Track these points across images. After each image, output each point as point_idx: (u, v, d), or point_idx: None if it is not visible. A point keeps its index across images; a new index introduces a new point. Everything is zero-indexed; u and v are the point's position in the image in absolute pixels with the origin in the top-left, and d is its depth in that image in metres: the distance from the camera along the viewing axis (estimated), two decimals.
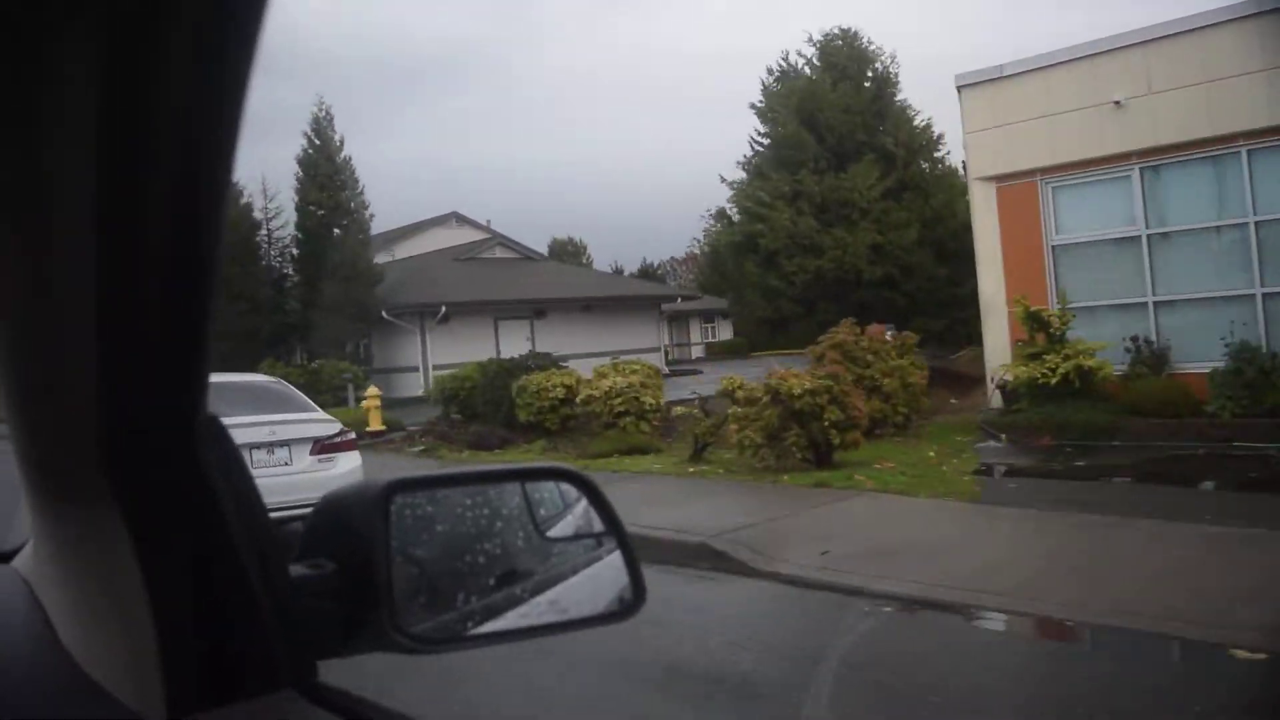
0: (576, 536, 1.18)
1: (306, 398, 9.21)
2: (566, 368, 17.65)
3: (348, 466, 8.08)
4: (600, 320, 31.32)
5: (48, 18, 0.62)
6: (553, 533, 1.18)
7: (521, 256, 36.38)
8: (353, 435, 8.67)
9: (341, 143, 30.02)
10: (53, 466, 0.91)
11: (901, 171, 28.70)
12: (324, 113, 29.99)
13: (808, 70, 30.51)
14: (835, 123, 28.80)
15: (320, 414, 8.68)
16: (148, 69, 0.65)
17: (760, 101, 30.72)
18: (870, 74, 30.44)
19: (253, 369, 23.62)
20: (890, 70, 30.67)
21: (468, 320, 28.95)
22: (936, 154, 30.44)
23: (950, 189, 28.32)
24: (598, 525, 1.16)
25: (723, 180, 54.73)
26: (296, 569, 0.98)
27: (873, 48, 30.60)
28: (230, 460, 0.97)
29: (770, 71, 31.34)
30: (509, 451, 15.42)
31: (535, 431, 16.24)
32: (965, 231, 18.15)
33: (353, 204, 29.79)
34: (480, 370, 18.03)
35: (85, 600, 0.94)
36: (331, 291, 27.40)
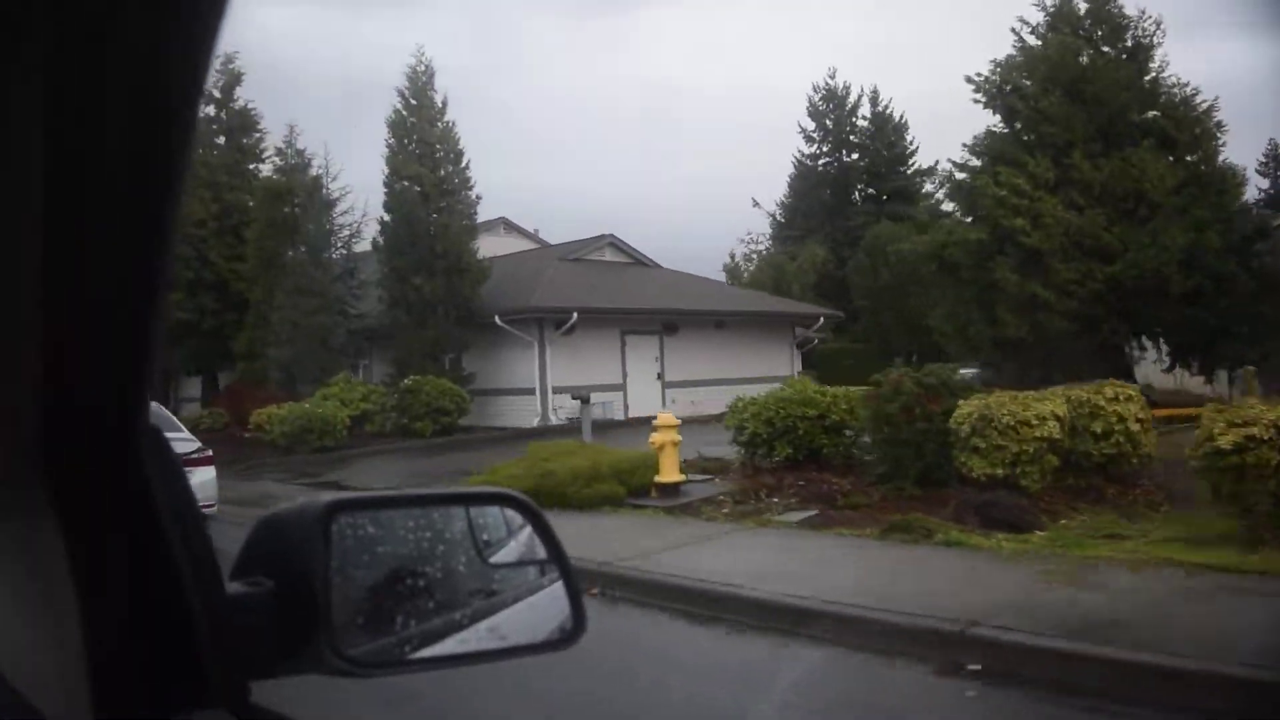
0: (520, 563, 1.17)
1: (173, 416, 11.06)
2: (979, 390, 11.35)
3: (202, 479, 8.99)
4: (733, 339, 25.85)
5: None
6: (496, 559, 1.18)
7: (634, 261, 29.78)
8: (210, 452, 9.72)
9: (444, 105, 24.07)
10: None
11: (1191, 160, 21.95)
12: (423, 67, 23.98)
13: (1038, 41, 23.19)
14: (1105, 96, 21.75)
15: (184, 433, 9.98)
16: (96, 67, 0.65)
17: (981, 74, 23.12)
18: (1125, 42, 23.05)
19: (323, 382, 20.71)
20: (1149, 35, 22.88)
21: (591, 332, 23.09)
22: (1217, 142, 22.40)
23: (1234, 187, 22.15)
24: (541, 553, 1.16)
25: (755, 204, 52.02)
26: (233, 586, 0.97)
27: (1125, 9, 22.83)
28: (170, 474, 0.96)
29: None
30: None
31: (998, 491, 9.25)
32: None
33: (456, 180, 23.76)
34: (869, 391, 11.14)
35: (15, 609, 0.92)
36: (429, 289, 22.23)
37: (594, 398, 17.06)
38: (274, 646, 0.97)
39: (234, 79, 27.57)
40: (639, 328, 24.45)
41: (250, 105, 28.21)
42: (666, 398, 23.12)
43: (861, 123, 43.26)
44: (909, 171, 42.43)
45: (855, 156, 43.19)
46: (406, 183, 23.35)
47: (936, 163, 39.32)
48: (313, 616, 0.96)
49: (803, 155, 43.88)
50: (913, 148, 42.57)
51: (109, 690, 0.86)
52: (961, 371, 13.53)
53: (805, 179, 43.38)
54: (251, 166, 28.11)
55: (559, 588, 1.14)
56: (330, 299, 23.47)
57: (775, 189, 56.96)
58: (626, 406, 23.73)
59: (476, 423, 22.20)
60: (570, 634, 1.13)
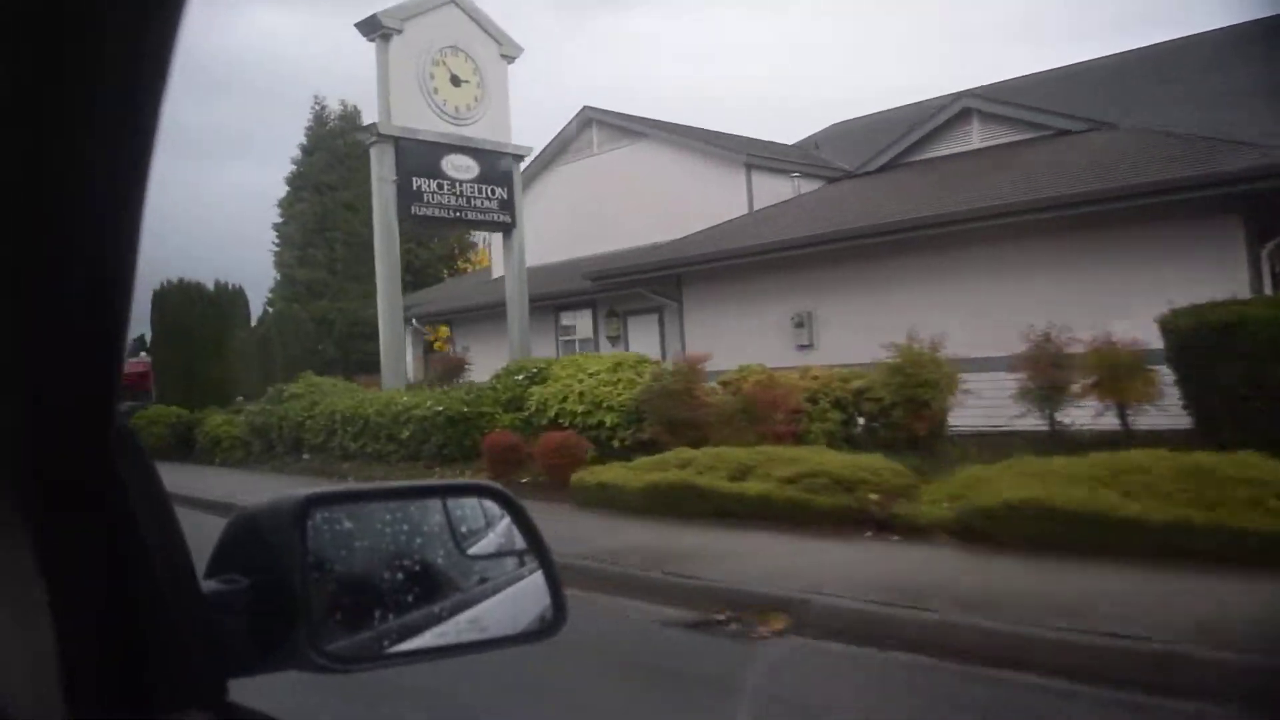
0: (499, 554, 1.17)
1: None
2: None
3: None
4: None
5: None
6: (474, 550, 1.17)
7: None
8: None
9: None
10: None
11: None
12: None
13: None
14: None
15: None
16: (67, 73, 0.64)
17: None
18: None
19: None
20: None
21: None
22: None
23: None
24: (520, 543, 1.15)
25: None
26: (209, 584, 0.96)
27: None
28: (144, 473, 0.94)
29: None
30: None
31: None
32: None
33: None
34: None
35: None
36: None
37: None
38: (251, 644, 0.96)
39: None
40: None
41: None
42: None
43: None
44: None
45: None
46: None
47: None
48: (290, 613, 0.95)
49: None
50: None
51: (82, 692, 0.85)
52: None
53: None
54: None
55: (539, 578, 1.14)
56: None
57: None
58: None
59: None
60: (551, 624, 1.13)
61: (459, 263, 43.42)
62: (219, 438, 20.48)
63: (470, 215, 18.48)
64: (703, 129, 23.54)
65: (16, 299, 0.74)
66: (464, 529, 1.17)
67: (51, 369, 0.81)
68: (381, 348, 17.94)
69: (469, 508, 1.19)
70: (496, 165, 18.58)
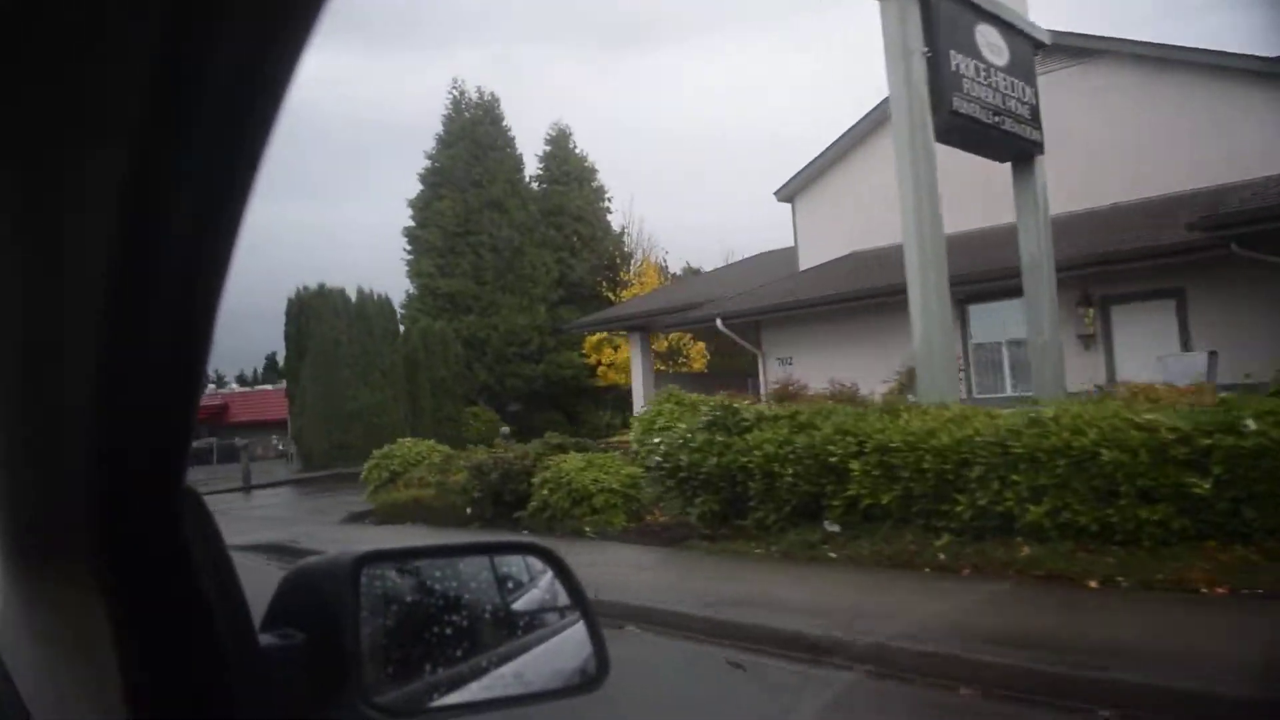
0: (542, 609, 1.21)
1: None
2: None
3: None
4: None
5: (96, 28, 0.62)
6: (518, 605, 1.21)
7: None
8: None
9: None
10: (31, 528, 0.95)
11: None
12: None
13: None
14: None
15: None
16: (167, 155, 0.67)
17: None
18: None
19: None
20: None
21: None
22: None
23: None
24: (563, 599, 1.18)
25: None
26: (265, 638, 1.02)
27: None
28: (208, 532, 1.01)
29: None
30: None
31: None
32: None
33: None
34: None
35: (53, 665, 0.98)
36: None
37: None
38: (306, 697, 1.01)
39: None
40: None
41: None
42: None
43: None
44: None
45: None
46: None
47: None
48: (343, 666, 1.00)
49: None
50: None
51: None
52: None
53: None
54: None
55: (580, 631, 1.17)
56: None
57: None
58: None
59: None
60: (594, 678, 1.16)
61: (615, 284, 36.80)
62: (585, 492, 11.73)
63: (1006, 124, 12.00)
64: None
65: (97, 351, 0.79)
66: (509, 585, 1.21)
67: (127, 428, 0.87)
68: (917, 333, 10.67)
69: (514, 564, 1.23)
70: (1024, 52, 12.55)
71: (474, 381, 34.17)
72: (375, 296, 30.50)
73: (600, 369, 33.68)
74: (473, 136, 36.06)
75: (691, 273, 37.69)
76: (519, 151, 37.76)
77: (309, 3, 0.63)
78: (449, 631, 1.12)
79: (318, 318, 28.63)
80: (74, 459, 0.87)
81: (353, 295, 29.85)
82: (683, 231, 76.55)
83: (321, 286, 29.49)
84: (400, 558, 1.14)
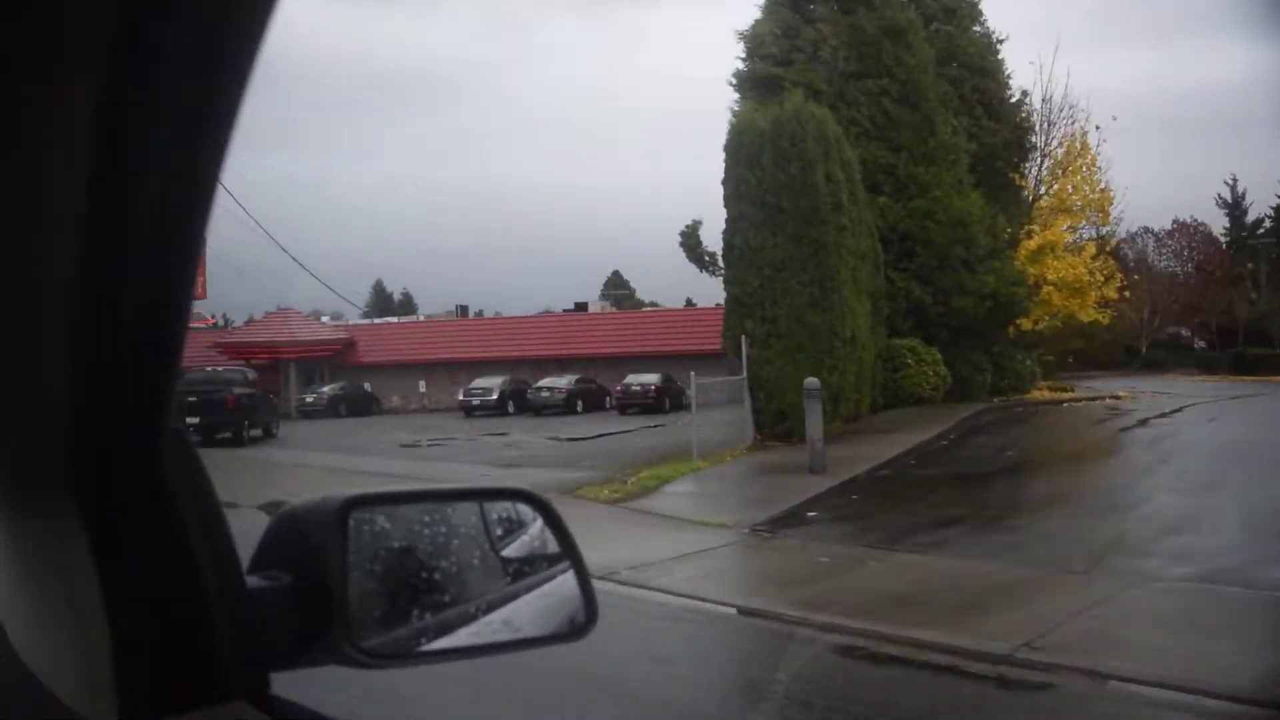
0: (531, 556, 1.20)
1: None
2: None
3: None
4: None
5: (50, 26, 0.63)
6: (508, 552, 1.20)
7: None
8: None
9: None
10: (15, 471, 0.92)
11: None
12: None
13: None
14: None
15: None
16: (142, 85, 0.67)
17: None
18: None
19: None
20: None
21: None
22: None
23: None
24: (553, 546, 1.18)
25: None
26: (252, 580, 1.00)
27: None
28: (194, 473, 0.98)
29: None
30: None
31: None
32: None
33: None
34: None
35: (40, 605, 0.95)
36: None
37: None
38: (293, 639, 1.00)
39: None
40: None
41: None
42: None
43: None
44: None
45: None
46: None
47: None
48: (330, 610, 0.99)
49: None
50: None
51: (133, 683, 0.89)
52: None
53: None
54: None
55: (570, 579, 1.17)
56: None
57: None
58: None
59: None
60: (583, 625, 1.16)
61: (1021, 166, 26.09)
62: None
63: None
64: None
65: (75, 303, 0.77)
66: (498, 531, 1.20)
67: (108, 373, 0.84)
68: None
69: (503, 510, 1.22)
70: None
71: (903, 300, 22.53)
72: None
73: (1045, 289, 23.26)
74: None
75: None
76: None
77: None
78: (437, 577, 1.10)
79: None
80: (53, 400, 0.84)
81: None
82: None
83: None
84: (389, 501, 1.12)
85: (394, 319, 47.06)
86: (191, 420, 21.40)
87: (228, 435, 23.52)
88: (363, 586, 1.04)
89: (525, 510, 1.21)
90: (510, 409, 34.58)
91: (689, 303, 46.72)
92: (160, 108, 0.69)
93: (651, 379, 33.74)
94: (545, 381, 35.62)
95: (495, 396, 35.01)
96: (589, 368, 37.33)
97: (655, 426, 24.48)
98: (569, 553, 1.17)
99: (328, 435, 26.36)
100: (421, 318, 50.97)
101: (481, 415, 33.76)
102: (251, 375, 27.39)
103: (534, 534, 1.19)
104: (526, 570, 1.19)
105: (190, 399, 21.56)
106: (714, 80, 79.48)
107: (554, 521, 1.18)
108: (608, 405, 35.42)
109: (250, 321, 43.16)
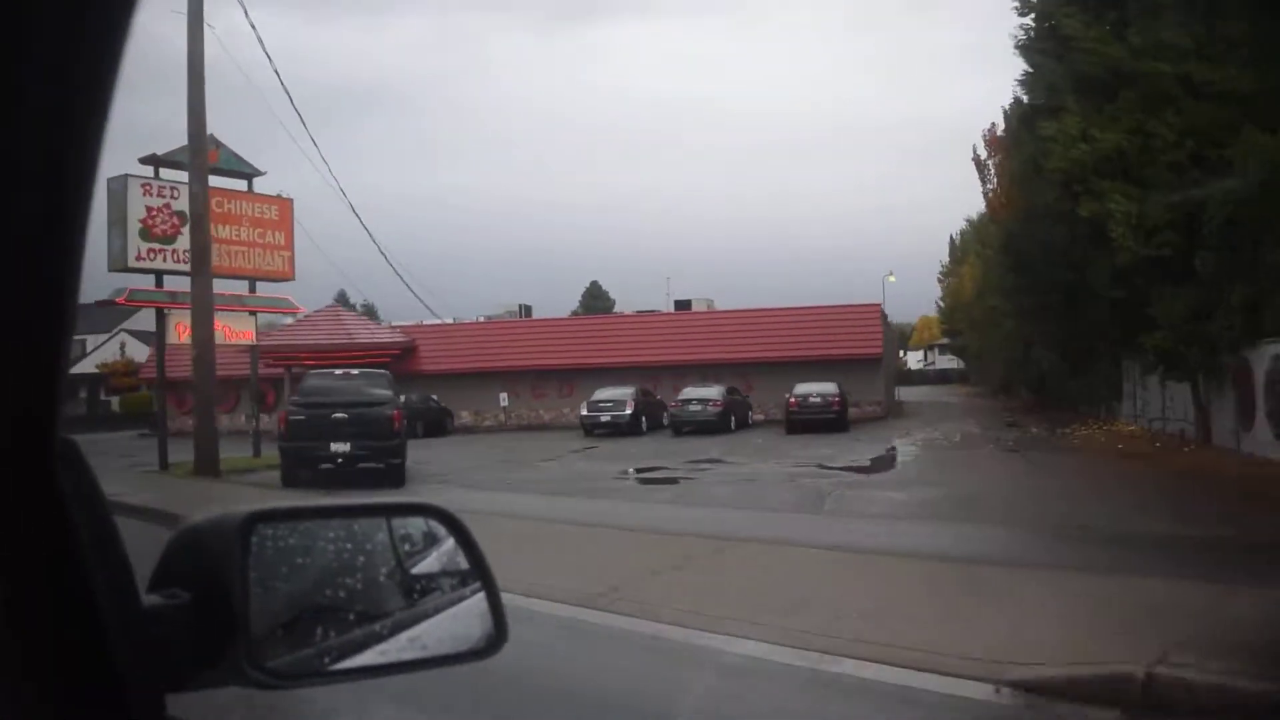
0: (442, 574, 1.19)
1: None
2: None
3: None
4: None
5: None
6: (417, 569, 1.19)
7: None
8: None
9: None
10: None
11: None
12: None
13: None
14: None
15: None
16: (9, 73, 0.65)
17: None
18: None
19: None
20: None
21: None
22: None
23: None
24: (463, 563, 1.17)
25: None
26: (150, 598, 0.97)
27: None
28: (85, 485, 0.95)
29: None
30: None
31: None
32: None
33: None
34: None
35: None
36: None
37: None
38: (191, 659, 0.97)
39: None
40: None
41: None
42: None
43: None
44: None
45: None
46: None
47: None
48: (230, 628, 0.96)
49: None
50: None
51: (20, 706, 0.85)
52: None
53: None
54: None
55: (480, 598, 1.16)
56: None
57: None
58: None
59: None
60: (492, 643, 1.15)
61: None
62: None
63: None
64: None
65: None
66: (407, 548, 1.18)
67: None
68: None
69: (413, 527, 1.21)
70: None
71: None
72: None
73: None
74: None
75: None
76: None
77: None
78: (343, 595, 1.08)
79: None
80: None
81: None
82: None
83: None
84: (292, 517, 1.09)
85: (449, 320, 38.87)
86: (340, 449, 15.26)
87: (379, 466, 15.73)
88: (265, 605, 1.02)
89: (437, 527, 1.19)
90: (643, 427, 28.65)
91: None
92: (20, 106, 0.67)
93: (829, 388, 27.94)
94: (690, 392, 28.92)
95: (629, 412, 28.44)
96: (708, 375, 30.95)
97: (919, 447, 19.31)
98: (480, 571, 1.16)
99: (446, 461, 20.21)
100: (481, 318, 43.49)
101: (605, 434, 27.64)
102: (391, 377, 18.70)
103: (444, 551, 1.18)
104: (436, 588, 1.18)
105: (337, 416, 15.43)
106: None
107: (465, 539, 1.17)
108: (750, 421, 30.14)
109: (299, 321, 32.92)
